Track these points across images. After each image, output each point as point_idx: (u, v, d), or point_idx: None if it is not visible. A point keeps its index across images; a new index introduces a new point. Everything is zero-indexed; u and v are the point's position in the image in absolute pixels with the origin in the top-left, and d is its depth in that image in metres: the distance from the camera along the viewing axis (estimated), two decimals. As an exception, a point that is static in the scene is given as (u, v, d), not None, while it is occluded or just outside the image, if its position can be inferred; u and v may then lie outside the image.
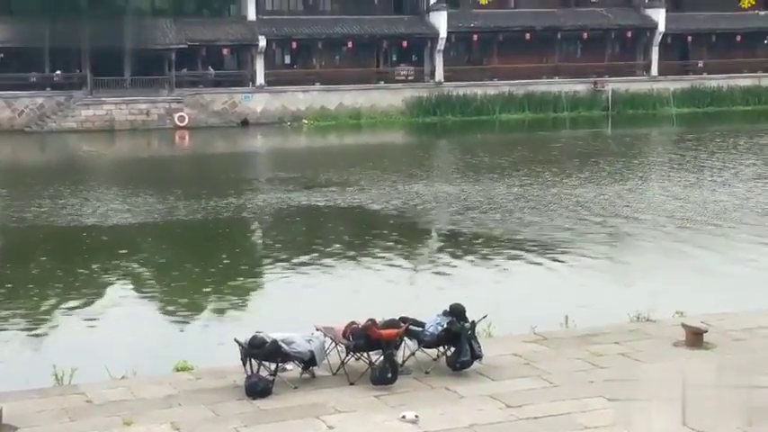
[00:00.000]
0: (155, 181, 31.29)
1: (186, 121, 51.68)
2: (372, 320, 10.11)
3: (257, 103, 54.22)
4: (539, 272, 17.92)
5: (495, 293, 15.96)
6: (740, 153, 36.88)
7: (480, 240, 21.00)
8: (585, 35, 60.07)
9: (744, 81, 61.92)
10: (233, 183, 30.65)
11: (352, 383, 9.87)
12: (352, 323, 10.29)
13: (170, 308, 16.00)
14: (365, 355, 10.11)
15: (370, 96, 55.59)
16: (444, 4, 57.72)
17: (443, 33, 57.12)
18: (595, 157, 36.43)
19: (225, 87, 54.58)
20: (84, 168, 36.99)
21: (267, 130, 51.44)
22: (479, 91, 57.04)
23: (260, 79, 54.78)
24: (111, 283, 17.72)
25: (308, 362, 9.95)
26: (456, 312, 10.42)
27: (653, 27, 60.99)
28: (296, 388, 9.78)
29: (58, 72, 52.39)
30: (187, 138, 49.16)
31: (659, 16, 61.00)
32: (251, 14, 55.64)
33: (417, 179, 30.47)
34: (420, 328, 10.37)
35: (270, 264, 19.31)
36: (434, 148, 45.18)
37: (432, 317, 10.54)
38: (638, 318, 12.49)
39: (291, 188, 28.99)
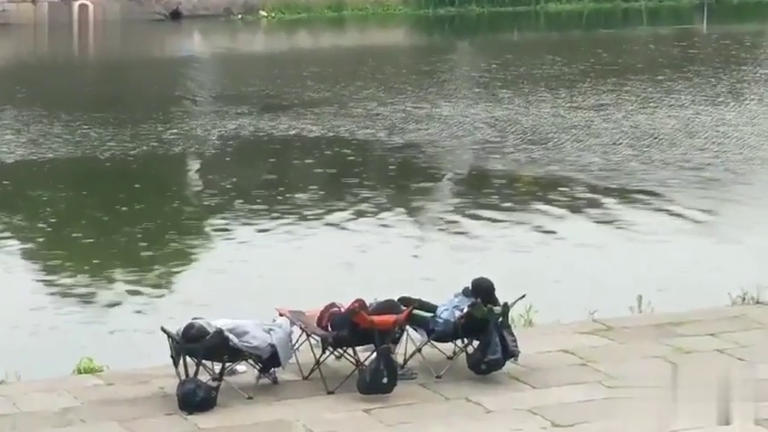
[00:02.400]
0: (50, 98, 31.18)
1: (91, 12, 51.42)
2: (361, 302, 10.17)
3: (194, -15, 53.90)
4: (604, 234, 18.00)
5: (540, 264, 16.04)
6: None
7: (522, 188, 21.04)
8: None
9: None
10: (161, 102, 30.52)
11: (330, 392, 9.94)
12: (332, 306, 10.36)
13: (71, 282, 16.04)
14: (350, 351, 10.18)
15: (359, -23, 55.25)
16: None
17: None
18: (693, 66, 36.35)
19: (147, -37, 54.21)
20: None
21: (208, 26, 51.15)
22: (517, -31, 56.67)
23: (198, -49, 54.44)
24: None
25: (268, 361, 10.02)
26: (481, 291, 10.48)
27: None
28: (250, 398, 9.85)
29: None
30: (92, 36, 48.93)
31: None
32: None
33: (430, 98, 30.39)
34: (430, 314, 10.44)
35: (214, 220, 19.34)
36: (453, 51, 45.00)
37: (447, 298, 10.60)
38: (744, 299, 12.56)
39: (245, 111, 28.90)
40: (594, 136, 25.06)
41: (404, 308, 10.29)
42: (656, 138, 24.81)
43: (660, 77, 33.40)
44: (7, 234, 18.61)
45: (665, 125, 26.10)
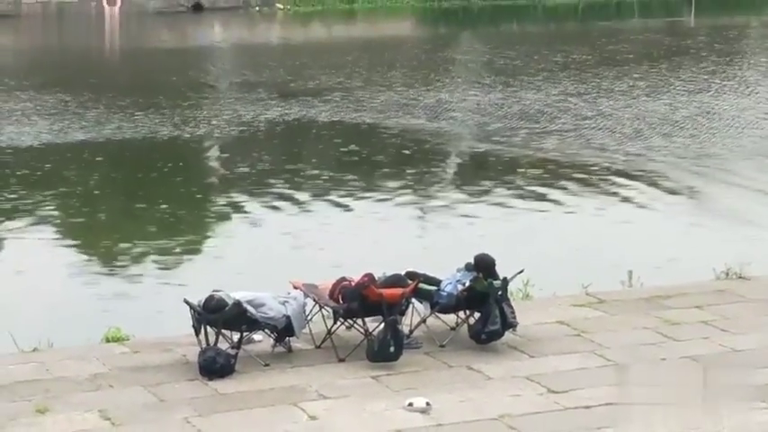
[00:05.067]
0: (77, 85, 31.20)
1: (119, 3, 51.43)
2: (370, 276, 10.15)
3: (215, -21, 53.87)
4: (596, 212, 18.00)
5: (537, 240, 16.02)
6: None
7: (520, 170, 21.05)
8: None
9: None
10: (182, 89, 30.56)
11: (341, 360, 9.94)
12: (343, 279, 10.34)
13: (99, 258, 16.07)
14: (360, 322, 10.18)
15: (369, -29, 55.18)
16: None
17: None
18: (680, 57, 36.33)
19: (171, -42, 54.14)
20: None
21: (228, 18, 51.20)
22: (517, -36, 56.59)
23: (218, -53, 54.36)
24: (18, 226, 17.77)
25: (283, 331, 10.00)
26: (483, 266, 10.46)
27: None
28: (266, 365, 9.85)
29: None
30: (119, 26, 48.95)
31: None
32: None
33: (437, 86, 30.38)
34: (434, 287, 10.42)
35: (230, 201, 19.34)
36: (457, 43, 44.95)
37: (450, 272, 10.60)
38: (728, 274, 12.53)
39: (263, 97, 28.94)
40: (575, 122, 25.04)
41: (410, 282, 10.28)
42: (635, 124, 24.79)
43: (643, 70, 33.35)
44: (44, 211, 18.65)
45: (644, 113, 26.05)
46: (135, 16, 50.06)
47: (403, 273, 10.43)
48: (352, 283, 10.19)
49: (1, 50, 41.52)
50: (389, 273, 10.38)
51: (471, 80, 31.86)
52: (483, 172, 21.33)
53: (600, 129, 24.35)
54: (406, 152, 22.82)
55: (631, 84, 30.40)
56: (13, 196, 19.52)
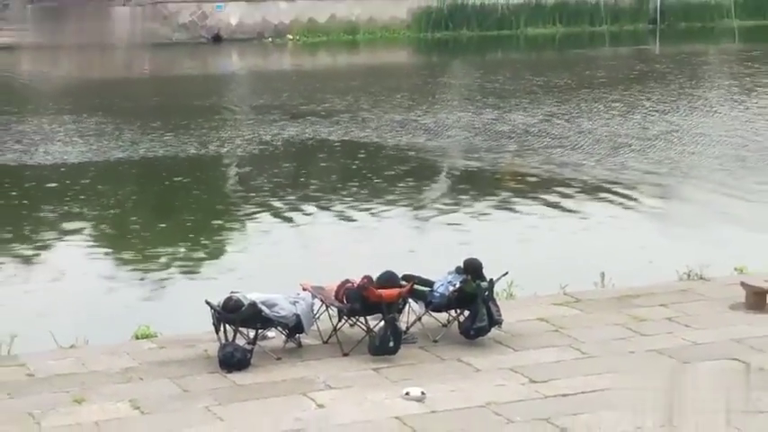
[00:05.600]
0: (113, 109, 31.23)
1: (146, 34, 51.41)
2: (369, 278, 10.19)
3: (232, 14, 53.88)
4: (571, 221, 17.98)
5: (519, 246, 16.05)
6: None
7: (503, 183, 21.04)
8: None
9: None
10: (203, 112, 30.58)
11: (345, 354, 9.98)
12: (347, 282, 10.37)
13: (129, 263, 16.10)
14: (361, 320, 10.21)
15: (369, 6, 55.16)
16: None
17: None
18: (645, 81, 36.36)
19: (193, -5, 54.14)
20: (27, 92, 36.92)
21: (244, 48, 51.21)
22: (502, -1, 56.61)
23: (236, -15, 54.37)
24: (59, 235, 17.80)
25: (294, 328, 10.05)
26: (471, 269, 10.49)
27: None
28: (279, 359, 9.90)
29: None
30: (147, 55, 48.97)
31: None
32: None
33: (435, 108, 30.39)
34: (427, 288, 10.46)
35: (248, 212, 19.36)
36: (450, 69, 45.01)
37: (442, 275, 10.62)
38: (689, 275, 12.59)
39: (275, 118, 28.95)
40: (548, 140, 25.03)
41: (406, 283, 10.31)
42: (602, 141, 24.78)
43: (610, 92, 33.34)
44: (81, 221, 18.67)
45: (609, 131, 26.01)
46: (161, 47, 50.08)
47: (400, 276, 10.46)
48: (355, 285, 10.22)
49: (42, 79, 41.56)
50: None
51: (465, 102, 31.88)
52: (475, 185, 21.34)
53: (580, 145, 24.35)
54: (407, 167, 22.81)
55: (607, 105, 30.40)
56: (56, 207, 19.56)
